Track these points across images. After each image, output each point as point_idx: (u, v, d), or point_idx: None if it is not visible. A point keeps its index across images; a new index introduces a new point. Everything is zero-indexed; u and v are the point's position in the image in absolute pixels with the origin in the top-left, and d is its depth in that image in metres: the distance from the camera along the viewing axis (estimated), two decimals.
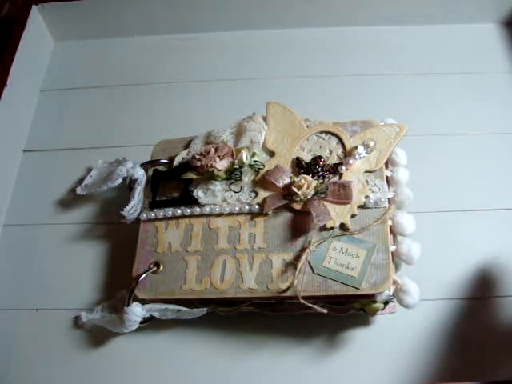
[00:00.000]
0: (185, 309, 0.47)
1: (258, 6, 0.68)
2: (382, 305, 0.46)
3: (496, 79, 0.64)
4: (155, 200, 0.51)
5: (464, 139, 0.60)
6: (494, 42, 0.68)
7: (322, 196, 0.47)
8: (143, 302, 0.47)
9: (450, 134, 0.60)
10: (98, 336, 0.50)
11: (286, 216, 0.48)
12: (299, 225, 0.47)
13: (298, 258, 0.45)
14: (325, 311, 0.44)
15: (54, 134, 0.64)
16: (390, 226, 0.46)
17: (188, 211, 0.50)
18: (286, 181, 0.48)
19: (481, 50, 0.67)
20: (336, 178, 0.48)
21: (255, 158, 0.50)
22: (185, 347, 0.49)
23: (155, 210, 0.50)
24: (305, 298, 0.43)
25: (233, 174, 0.50)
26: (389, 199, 0.47)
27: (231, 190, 0.50)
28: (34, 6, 0.67)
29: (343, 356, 0.48)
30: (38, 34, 0.69)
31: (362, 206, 0.47)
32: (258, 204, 0.49)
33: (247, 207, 0.49)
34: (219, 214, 0.49)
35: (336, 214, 0.46)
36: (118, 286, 0.51)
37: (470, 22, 0.69)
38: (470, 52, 0.67)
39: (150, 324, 0.49)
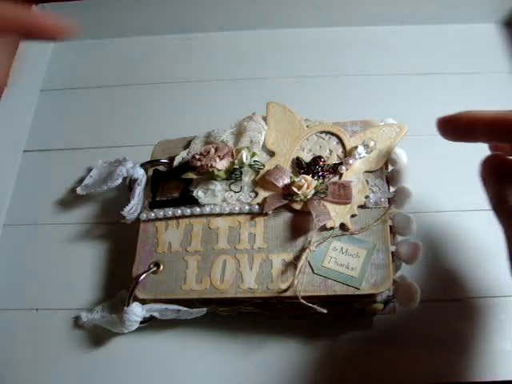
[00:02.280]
0: (185, 309, 0.47)
1: (257, 6, 0.68)
2: (382, 305, 0.46)
3: (496, 79, 0.64)
4: (155, 200, 0.51)
5: None
6: (494, 42, 0.68)
7: (322, 196, 0.47)
8: (143, 302, 0.47)
9: None
10: (97, 336, 0.50)
11: (286, 216, 0.48)
12: (299, 225, 0.47)
13: (298, 258, 0.45)
14: (325, 311, 0.44)
15: (54, 134, 0.64)
16: (390, 226, 0.46)
17: (188, 211, 0.50)
18: (286, 181, 0.48)
19: (481, 50, 0.67)
20: (336, 178, 0.48)
21: (255, 158, 0.50)
22: (185, 347, 0.49)
23: (155, 210, 0.50)
24: (305, 298, 0.43)
25: (233, 174, 0.50)
26: (389, 199, 0.47)
27: (231, 189, 0.50)
28: (34, 6, 0.67)
29: (343, 356, 0.48)
30: None
31: (362, 206, 0.47)
32: (258, 204, 0.49)
33: (247, 207, 0.49)
34: (219, 214, 0.49)
35: (336, 213, 0.46)
36: (118, 286, 0.51)
37: (470, 22, 0.69)
38: (470, 52, 0.67)
39: (149, 324, 0.49)
